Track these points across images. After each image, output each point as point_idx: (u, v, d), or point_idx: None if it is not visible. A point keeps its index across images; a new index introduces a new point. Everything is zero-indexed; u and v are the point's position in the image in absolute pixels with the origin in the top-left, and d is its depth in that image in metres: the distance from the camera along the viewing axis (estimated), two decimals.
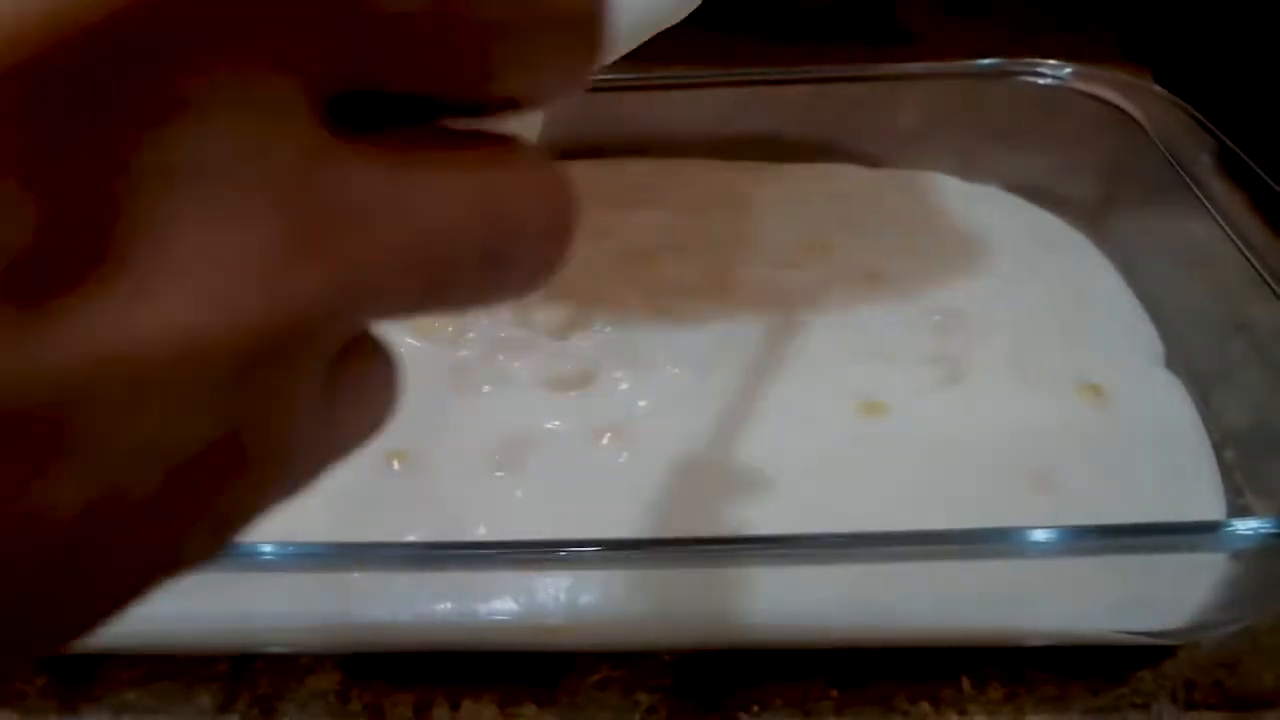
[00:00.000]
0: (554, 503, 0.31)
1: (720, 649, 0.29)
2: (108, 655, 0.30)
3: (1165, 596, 0.26)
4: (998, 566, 0.25)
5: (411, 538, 0.29)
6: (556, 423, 0.33)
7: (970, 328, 0.35)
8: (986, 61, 0.43)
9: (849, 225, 0.41)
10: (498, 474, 0.32)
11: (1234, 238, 0.33)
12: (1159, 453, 0.30)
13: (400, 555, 0.26)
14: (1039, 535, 0.23)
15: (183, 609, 0.26)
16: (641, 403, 0.34)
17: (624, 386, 0.34)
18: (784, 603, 0.27)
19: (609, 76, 0.44)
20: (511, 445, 0.32)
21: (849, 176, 0.44)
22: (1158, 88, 0.40)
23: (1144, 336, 0.35)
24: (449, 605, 0.27)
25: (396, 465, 0.32)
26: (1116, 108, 0.40)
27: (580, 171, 0.44)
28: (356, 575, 0.26)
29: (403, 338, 0.35)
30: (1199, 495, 0.29)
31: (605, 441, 0.32)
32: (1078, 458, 0.30)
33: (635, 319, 0.37)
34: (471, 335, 0.37)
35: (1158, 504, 0.29)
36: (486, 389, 0.35)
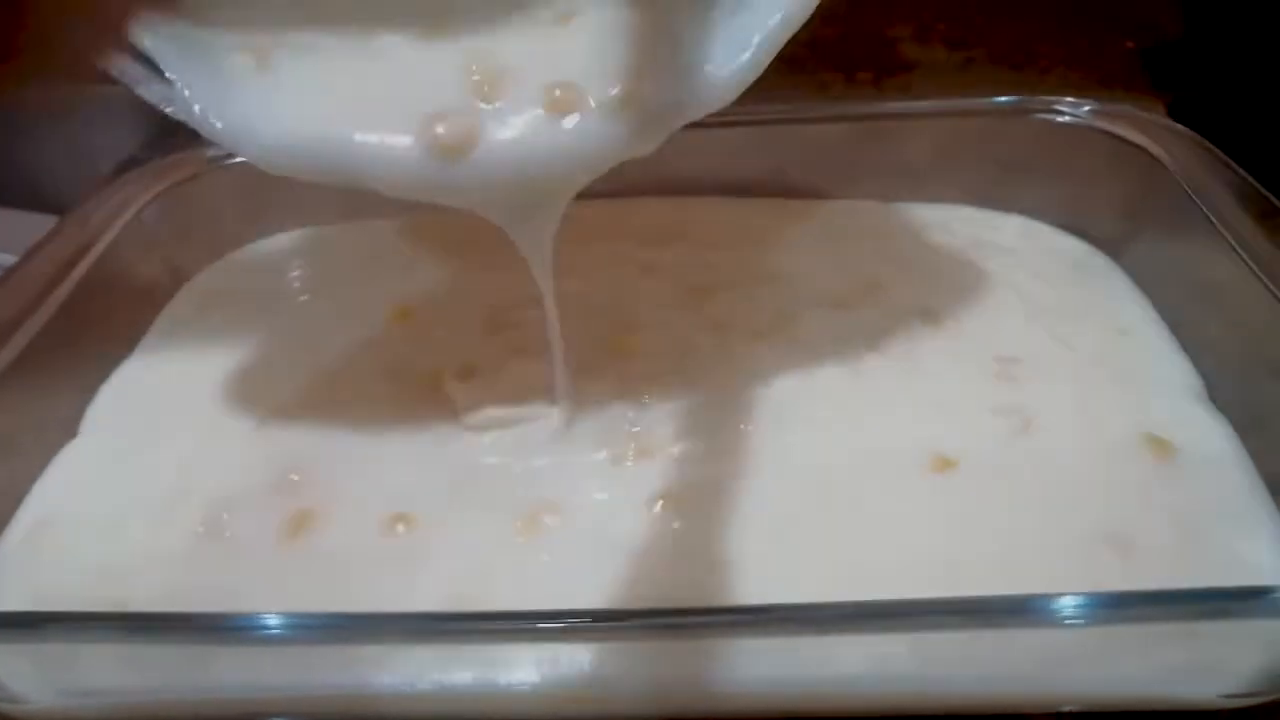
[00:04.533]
0: (588, 571, 0.30)
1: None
2: None
3: (1225, 660, 0.26)
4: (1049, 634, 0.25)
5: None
6: (604, 494, 0.33)
7: (1029, 374, 0.36)
8: (1003, 99, 0.44)
9: (892, 261, 0.41)
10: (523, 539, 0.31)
11: (1257, 272, 0.33)
12: (1223, 504, 0.31)
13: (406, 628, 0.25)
14: (1062, 603, 0.24)
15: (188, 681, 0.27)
16: (709, 466, 0.33)
17: (682, 449, 0.34)
18: (824, 670, 0.27)
19: None
20: (554, 509, 0.32)
21: (873, 212, 0.45)
22: (1176, 124, 0.40)
23: (1183, 372, 0.36)
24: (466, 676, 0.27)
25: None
26: (1135, 144, 0.40)
27: (599, 211, 0.45)
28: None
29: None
30: (1262, 549, 0.30)
31: (658, 509, 0.32)
32: (1148, 520, 0.30)
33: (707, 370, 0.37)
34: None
35: (1229, 561, 0.29)
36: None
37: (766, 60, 0.28)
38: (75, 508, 0.34)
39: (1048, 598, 0.24)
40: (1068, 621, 0.24)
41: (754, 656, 0.26)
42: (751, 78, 0.28)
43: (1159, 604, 0.24)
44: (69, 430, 0.37)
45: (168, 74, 0.28)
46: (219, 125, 0.28)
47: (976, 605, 0.24)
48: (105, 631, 0.25)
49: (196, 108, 0.28)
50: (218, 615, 0.25)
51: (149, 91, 0.28)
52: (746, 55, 0.28)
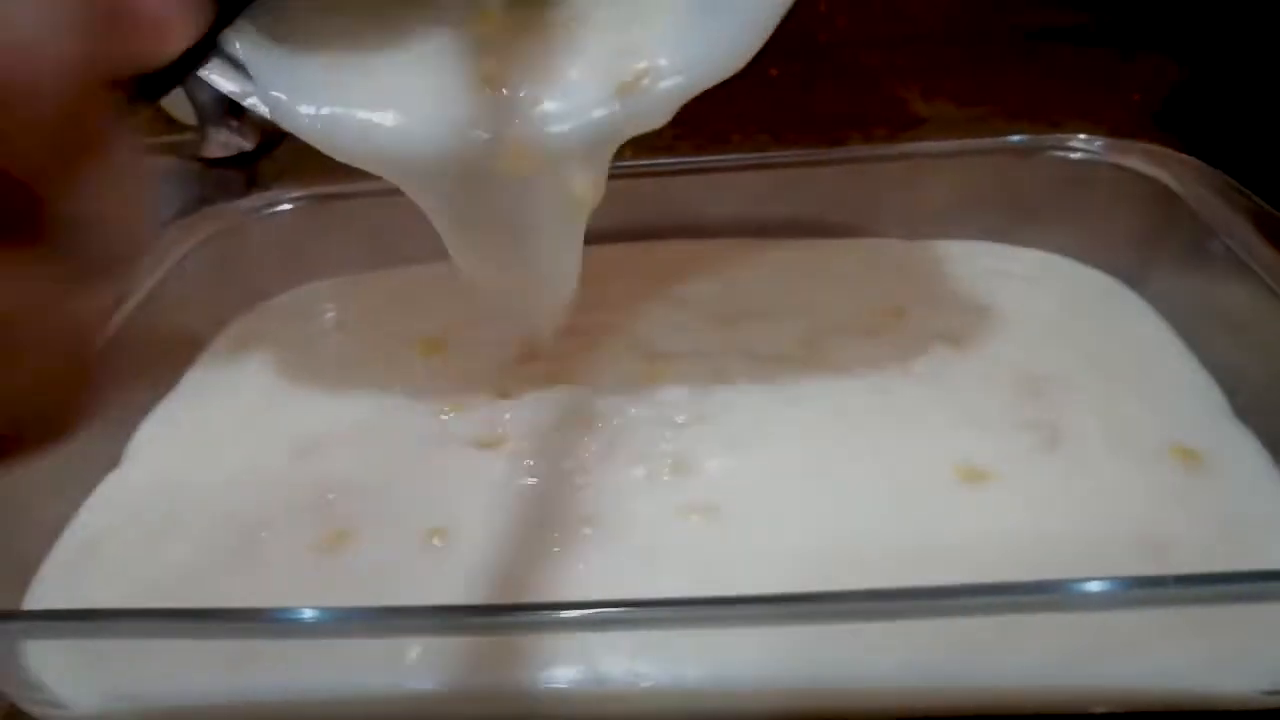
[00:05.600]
0: (625, 576, 0.30)
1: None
2: None
3: (1246, 653, 0.26)
4: (1062, 621, 0.25)
5: None
6: (641, 507, 0.33)
7: (1056, 391, 0.36)
8: (1016, 138, 0.45)
9: (916, 292, 0.42)
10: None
11: (1276, 291, 0.34)
12: (1255, 511, 0.31)
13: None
14: (1101, 586, 0.24)
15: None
16: (744, 480, 0.34)
17: (721, 463, 0.35)
18: (838, 666, 0.27)
19: (640, 163, 0.45)
20: (590, 522, 0.32)
21: (895, 249, 0.46)
22: (1187, 156, 0.41)
23: (1208, 389, 0.37)
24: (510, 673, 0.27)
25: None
26: (1148, 176, 0.41)
27: (623, 252, 0.46)
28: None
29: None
30: None
31: (694, 520, 0.32)
32: (1182, 524, 0.31)
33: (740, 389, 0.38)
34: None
35: (1265, 564, 0.28)
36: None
37: (767, 30, 0.29)
38: (117, 530, 0.34)
39: (1080, 581, 0.24)
40: (1101, 605, 0.24)
41: (777, 649, 0.26)
42: (757, 46, 0.29)
43: (1193, 586, 0.24)
44: (113, 463, 0.38)
45: (253, 73, 0.30)
46: (302, 111, 0.30)
47: (1007, 589, 0.24)
48: (146, 626, 0.26)
49: (280, 97, 0.30)
50: (256, 610, 0.25)
51: (236, 85, 0.30)
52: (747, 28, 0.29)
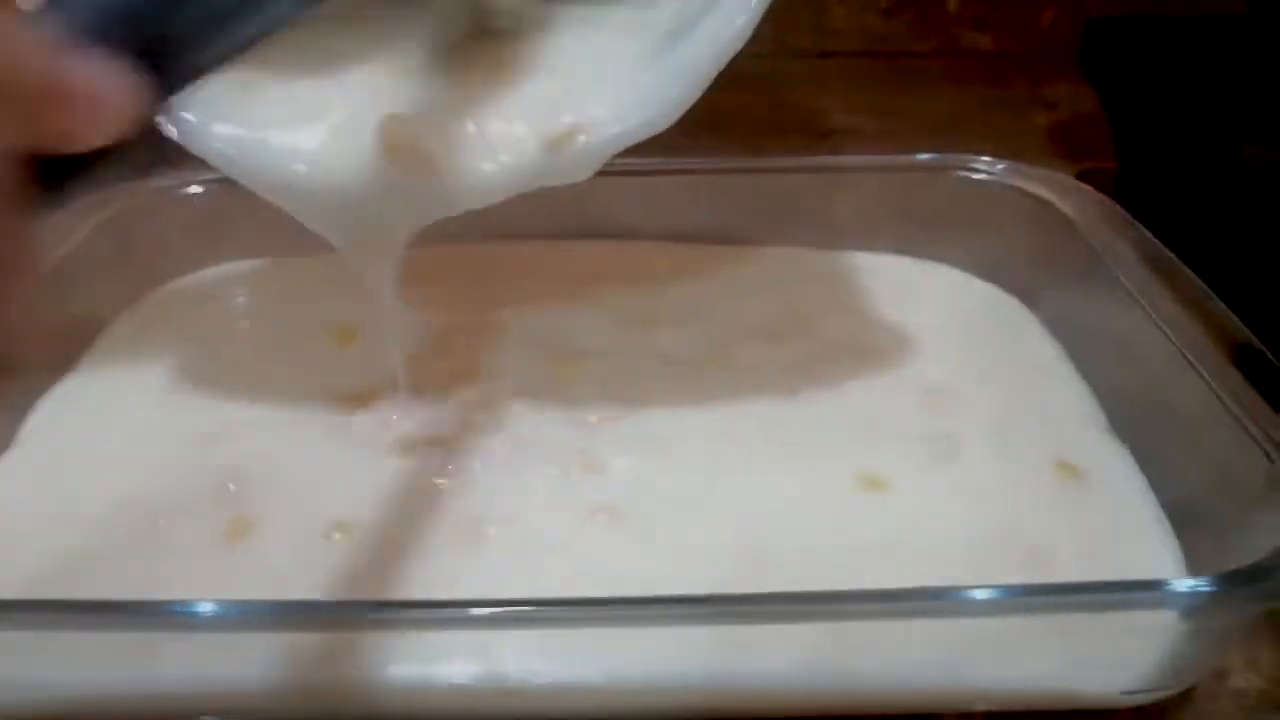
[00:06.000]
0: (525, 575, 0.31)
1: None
2: None
3: (1108, 657, 0.28)
4: (944, 626, 0.27)
5: None
6: (547, 506, 0.34)
7: (952, 403, 0.38)
8: (924, 156, 0.47)
9: (822, 301, 0.44)
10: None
11: (1155, 318, 0.36)
12: (1126, 523, 0.33)
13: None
14: (984, 594, 0.26)
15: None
16: (650, 481, 0.35)
17: (629, 463, 0.35)
18: (730, 665, 0.27)
19: None
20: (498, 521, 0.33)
21: (805, 258, 0.47)
22: (1083, 184, 0.43)
23: (1089, 406, 0.39)
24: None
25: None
26: (1044, 200, 0.43)
27: (536, 250, 0.46)
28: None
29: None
30: (1164, 562, 0.32)
31: (601, 519, 0.33)
32: (1061, 534, 0.32)
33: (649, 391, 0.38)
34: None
35: (1134, 574, 0.31)
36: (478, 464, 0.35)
37: (703, 87, 0.30)
38: (7, 519, 0.33)
39: (956, 588, 0.26)
40: (976, 611, 0.25)
41: (669, 650, 0.27)
42: (689, 103, 0.30)
43: (1060, 595, 0.26)
44: (4, 446, 0.37)
45: None
46: (187, 118, 0.29)
47: (886, 595, 0.26)
48: (37, 617, 0.25)
49: (189, 118, 0.30)
50: (155, 602, 0.25)
51: None
52: (684, 83, 0.30)
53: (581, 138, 0.30)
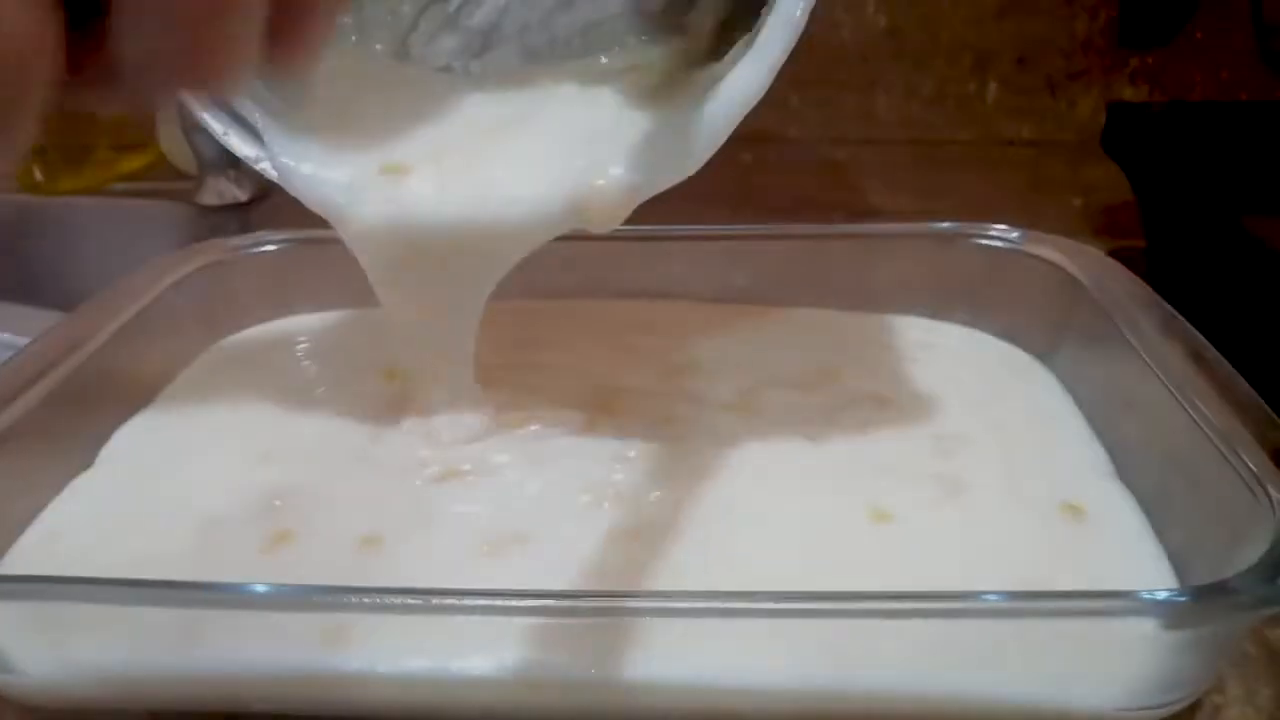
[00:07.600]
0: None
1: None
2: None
3: (1096, 672, 0.29)
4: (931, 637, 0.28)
5: None
6: (577, 529, 0.36)
7: (963, 448, 0.40)
8: (945, 224, 0.49)
9: (847, 356, 0.46)
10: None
11: (1160, 376, 0.37)
12: (1128, 565, 0.34)
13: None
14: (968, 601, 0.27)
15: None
16: (679, 513, 0.36)
17: (662, 494, 0.37)
18: (729, 669, 0.29)
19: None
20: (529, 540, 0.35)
21: (831, 318, 0.50)
22: (1096, 250, 0.45)
23: (1097, 454, 0.40)
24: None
25: None
26: (1057, 266, 0.45)
27: (586, 308, 0.50)
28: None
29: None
30: None
31: (632, 543, 0.35)
32: (1065, 570, 0.34)
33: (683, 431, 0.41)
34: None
35: None
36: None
37: (725, 136, 0.33)
38: (82, 522, 0.37)
39: (940, 595, 0.27)
40: (956, 619, 0.27)
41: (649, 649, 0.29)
42: (712, 151, 0.33)
43: (1043, 601, 0.27)
44: (86, 467, 0.41)
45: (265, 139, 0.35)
46: (288, 164, 0.35)
47: (872, 597, 0.27)
48: (100, 592, 0.29)
49: (288, 163, 0.35)
50: (206, 583, 0.28)
51: (250, 150, 0.36)
52: (709, 134, 0.33)
53: (605, 191, 0.33)
